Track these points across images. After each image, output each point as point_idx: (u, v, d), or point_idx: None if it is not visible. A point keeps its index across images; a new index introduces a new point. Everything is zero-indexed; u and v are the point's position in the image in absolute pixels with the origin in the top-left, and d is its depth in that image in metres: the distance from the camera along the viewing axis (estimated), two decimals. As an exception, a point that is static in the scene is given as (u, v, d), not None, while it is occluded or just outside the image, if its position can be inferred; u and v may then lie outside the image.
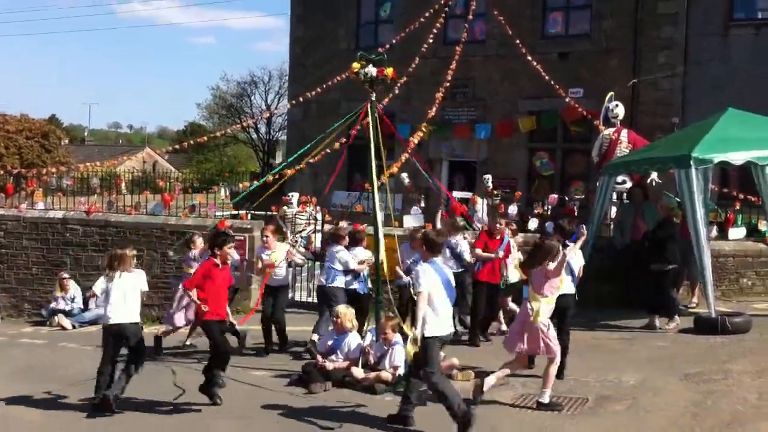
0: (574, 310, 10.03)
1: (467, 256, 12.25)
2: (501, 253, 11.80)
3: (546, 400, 8.71)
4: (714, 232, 14.74)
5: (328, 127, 22.49)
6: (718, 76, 19.76)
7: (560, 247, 8.95)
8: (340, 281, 11.82)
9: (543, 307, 8.71)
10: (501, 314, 12.71)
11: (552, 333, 8.77)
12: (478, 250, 11.99)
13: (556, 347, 8.79)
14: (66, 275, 17.15)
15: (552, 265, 8.73)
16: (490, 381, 8.80)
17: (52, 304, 16.78)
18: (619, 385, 9.32)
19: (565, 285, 9.73)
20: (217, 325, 9.48)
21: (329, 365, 10.33)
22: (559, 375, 9.42)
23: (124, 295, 9.58)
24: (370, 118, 11.17)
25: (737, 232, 15.34)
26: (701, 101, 19.36)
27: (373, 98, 11.22)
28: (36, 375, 11.38)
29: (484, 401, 8.96)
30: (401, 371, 10.02)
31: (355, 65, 11.04)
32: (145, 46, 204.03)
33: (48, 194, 20.53)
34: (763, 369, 9.69)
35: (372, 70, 10.94)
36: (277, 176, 19.01)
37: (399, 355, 10.11)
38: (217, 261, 9.46)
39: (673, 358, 10.48)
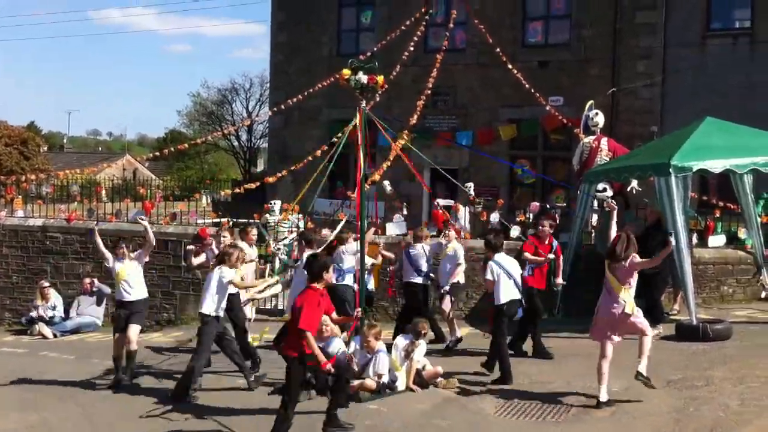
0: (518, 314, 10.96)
1: (424, 266, 12.60)
2: (552, 256, 11.87)
3: (644, 371, 9.00)
4: (694, 240, 14.87)
5: (309, 135, 22.57)
6: (696, 85, 19.98)
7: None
8: (349, 279, 12.10)
9: (631, 295, 9.04)
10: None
11: (640, 314, 9.20)
12: (527, 254, 11.85)
13: (647, 324, 9.22)
14: (46, 284, 17.03)
15: (638, 258, 9.00)
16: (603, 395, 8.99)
17: (32, 313, 16.65)
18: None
19: (511, 291, 10.47)
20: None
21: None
22: (507, 380, 10.14)
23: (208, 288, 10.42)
24: (359, 125, 11.20)
25: (717, 240, 15.46)
26: (679, 110, 19.56)
27: (363, 105, 11.23)
28: (17, 383, 11.31)
29: (467, 410, 9.00)
30: (385, 379, 10.07)
31: (346, 72, 11.05)
32: (123, 54, 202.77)
33: (27, 202, 20.40)
34: (743, 375, 9.78)
35: (363, 78, 10.96)
36: (257, 183, 19.08)
37: (383, 363, 10.14)
38: (321, 288, 8.37)
39: (656, 364, 10.50)
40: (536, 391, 9.71)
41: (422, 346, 10.54)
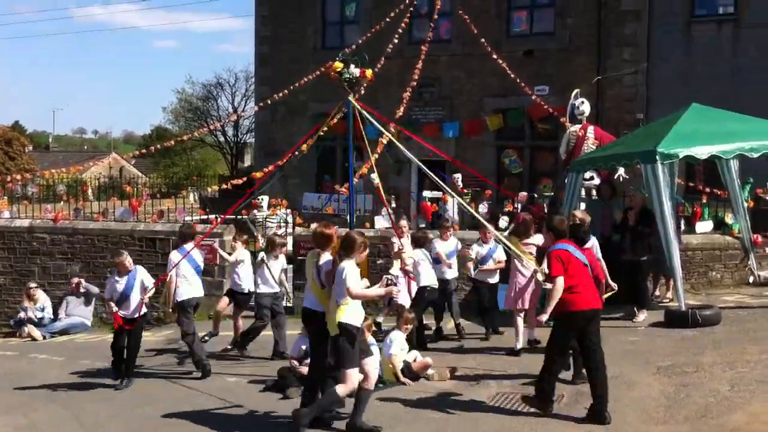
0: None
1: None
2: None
3: None
4: (681, 226, 14.89)
5: (296, 129, 22.44)
6: (681, 71, 20.03)
7: None
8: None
9: None
10: None
11: None
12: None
13: None
14: (33, 285, 16.92)
15: None
16: None
17: (20, 315, 16.55)
18: (594, 381, 9.35)
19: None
20: None
21: (305, 369, 10.26)
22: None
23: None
24: (350, 119, 11.12)
25: (704, 226, 15.50)
26: (665, 97, 19.60)
27: (352, 98, 11.14)
28: (5, 386, 11.24)
29: (461, 400, 9.00)
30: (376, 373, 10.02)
31: (338, 65, 10.97)
32: (108, 51, 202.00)
33: (13, 202, 20.28)
34: (733, 361, 9.81)
35: (355, 71, 10.90)
36: (244, 179, 19.02)
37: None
38: None
39: (646, 351, 10.58)
40: (529, 381, 9.70)
41: (397, 337, 10.46)
